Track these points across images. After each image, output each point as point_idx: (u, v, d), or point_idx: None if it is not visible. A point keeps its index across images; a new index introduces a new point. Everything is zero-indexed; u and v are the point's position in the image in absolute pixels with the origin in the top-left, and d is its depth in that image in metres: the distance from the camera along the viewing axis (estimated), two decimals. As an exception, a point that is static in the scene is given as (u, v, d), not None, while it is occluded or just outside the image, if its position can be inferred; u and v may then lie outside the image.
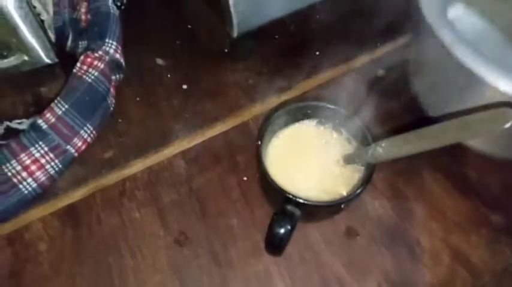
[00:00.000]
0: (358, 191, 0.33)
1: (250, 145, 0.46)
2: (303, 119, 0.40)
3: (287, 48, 0.53)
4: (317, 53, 0.53)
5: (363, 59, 0.54)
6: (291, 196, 0.33)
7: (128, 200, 0.43)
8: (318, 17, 0.56)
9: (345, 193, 0.36)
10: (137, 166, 0.44)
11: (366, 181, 0.34)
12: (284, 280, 0.38)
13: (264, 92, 0.49)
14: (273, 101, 0.49)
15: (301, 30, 0.55)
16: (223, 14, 0.44)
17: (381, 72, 0.53)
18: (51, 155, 0.39)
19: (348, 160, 0.37)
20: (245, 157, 0.46)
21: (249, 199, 0.43)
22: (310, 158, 0.38)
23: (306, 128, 0.40)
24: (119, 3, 0.54)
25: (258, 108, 0.49)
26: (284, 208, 0.34)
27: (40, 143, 0.38)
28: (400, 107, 0.48)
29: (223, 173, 0.45)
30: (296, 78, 0.51)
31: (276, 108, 0.38)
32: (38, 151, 0.38)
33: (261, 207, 0.43)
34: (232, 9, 0.42)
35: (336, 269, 0.40)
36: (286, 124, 0.39)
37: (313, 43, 0.54)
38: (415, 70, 0.48)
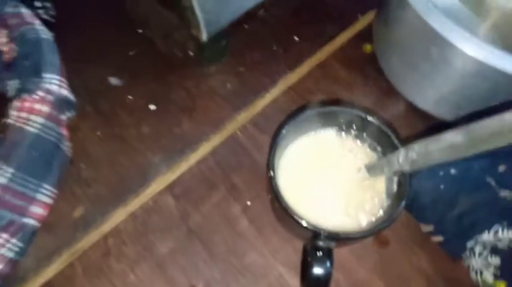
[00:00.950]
0: (398, 210, 0.28)
1: (244, 161, 0.40)
2: (315, 128, 0.33)
3: (261, 38, 0.46)
4: (295, 37, 0.46)
5: (346, 35, 0.47)
6: (322, 232, 0.27)
7: (115, 260, 0.35)
8: (286, -5, 0.49)
9: (368, 209, 0.31)
10: (117, 217, 0.36)
11: (401, 195, 0.29)
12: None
13: (246, 95, 0.42)
14: (259, 103, 0.42)
15: (272, 15, 0.47)
16: (183, 15, 0.36)
17: (368, 47, 0.47)
18: (5, 235, 0.30)
19: (373, 170, 0.31)
20: (242, 176, 0.39)
21: (259, 226, 0.37)
22: (329, 174, 0.32)
23: (321, 139, 0.33)
24: (46, 16, 0.44)
25: (244, 116, 0.41)
26: (316, 244, 0.28)
27: (-13, 225, 0.29)
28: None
29: (222, 202, 0.38)
30: (279, 72, 0.44)
31: (282, 124, 0.31)
32: (-13, 235, 0.29)
33: (275, 233, 0.37)
34: (197, 10, 0.33)
35: (373, 284, 0.35)
36: (296, 138, 0.33)
37: (288, 26, 0.47)
38: (383, 43, 0.44)
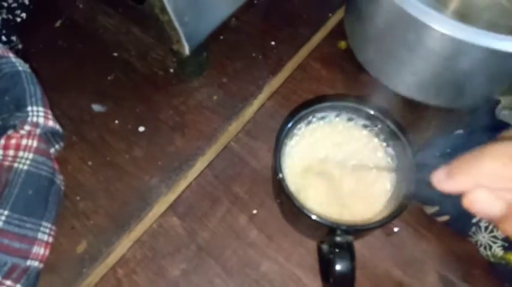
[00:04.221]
0: (408, 196, 0.29)
1: (242, 170, 0.39)
2: (316, 122, 0.33)
3: (238, 47, 0.46)
4: (272, 42, 0.47)
5: (320, 35, 0.48)
6: (340, 226, 0.27)
7: (128, 291, 0.33)
8: (256, 1, 0.49)
9: (377, 198, 0.31)
10: (123, 246, 0.35)
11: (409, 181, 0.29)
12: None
13: (234, 104, 0.42)
14: (248, 111, 0.42)
15: (245, 22, 0.48)
16: (162, 32, 0.35)
17: (343, 43, 0.48)
18: (9, 282, 0.28)
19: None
20: (243, 185, 0.39)
21: (269, 233, 0.36)
22: (334, 169, 0.32)
23: (324, 134, 0.34)
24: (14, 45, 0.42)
25: (235, 125, 0.41)
26: (334, 240, 0.28)
27: (-13, 275, 0.27)
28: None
29: (227, 215, 0.37)
30: (262, 78, 0.44)
31: (282, 129, 0.31)
32: (-11, 286, 0.27)
33: (285, 237, 0.36)
34: (176, 23, 0.33)
35: (391, 274, 0.35)
36: (298, 137, 0.33)
37: (263, 32, 0.47)
38: (358, 38, 0.45)
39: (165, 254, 0.35)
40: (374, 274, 0.35)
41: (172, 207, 0.37)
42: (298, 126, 0.32)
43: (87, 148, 0.38)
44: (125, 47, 0.45)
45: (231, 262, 0.35)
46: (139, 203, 0.36)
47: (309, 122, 0.33)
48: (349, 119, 0.34)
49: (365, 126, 0.33)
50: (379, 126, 0.32)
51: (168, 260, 0.35)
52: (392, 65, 0.42)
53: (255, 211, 0.37)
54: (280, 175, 0.29)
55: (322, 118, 0.33)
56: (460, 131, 0.40)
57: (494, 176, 0.19)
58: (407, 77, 0.42)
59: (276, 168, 0.29)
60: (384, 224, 0.28)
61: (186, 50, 0.36)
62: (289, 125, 0.30)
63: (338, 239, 0.28)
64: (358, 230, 0.29)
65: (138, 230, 0.35)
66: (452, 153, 0.37)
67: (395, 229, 0.37)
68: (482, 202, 0.19)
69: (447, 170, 0.20)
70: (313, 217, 0.27)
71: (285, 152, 0.32)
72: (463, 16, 0.46)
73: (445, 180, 0.20)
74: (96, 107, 0.40)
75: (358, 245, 0.36)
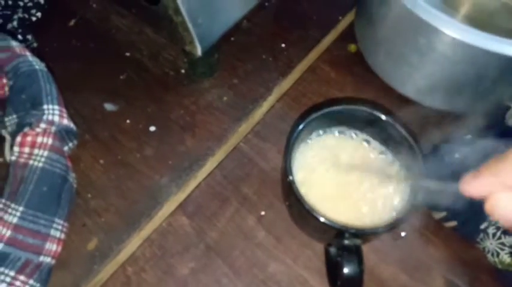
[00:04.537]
0: (416, 201, 0.29)
1: (251, 171, 0.40)
2: (326, 129, 0.34)
3: (249, 48, 0.46)
4: (282, 45, 0.47)
5: (330, 37, 0.48)
6: (349, 230, 0.28)
7: (136, 289, 0.34)
8: (267, 4, 0.50)
9: (386, 202, 0.31)
10: (133, 244, 0.35)
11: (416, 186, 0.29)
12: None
13: (244, 105, 0.42)
14: (257, 112, 0.42)
15: (256, 24, 0.48)
16: (175, 33, 0.36)
17: (352, 46, 0.48)
18: (22, 277, 0.29)
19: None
20: (252, 186, 0.39)
21: (277, 234, 0.37)
22: (343, 172, 0.33)
23: (333, 139, 0.34)
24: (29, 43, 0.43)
25: (245, 126, 0.42)
26: (342, 243, 0.28)
27: (2, 269, 0.28)
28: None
29: (236, 215, 0.37)
30: (272, 80, 0.44)
31: (293, 131, 0.31)
32: (3, 281, 0.28)
33: (293, 239, 0.37)
34: (189, 25, 0.33)
35: (398, 278, 0.35)
36: (308, 139, 0.33)
37: (273, 35, 0.48)
38: (368, 41, 0.45)
39: (174, 253, 0.35)
40: (380, 278, 0.35)
41: (181, 206, 0.37)
42: (309, 129, 0.32)
43: (99, 146, 0.39)
44: (137, 47, 0.46)
45: (239, 262, 0.35)
46: (149, 202, 0.36)
47: (320, 127, 0.33)
48: (359, 125, 0.34)
49: (375, 132, 0.34)
50: (390, 132, 0.33)
51: (177, 259, 0.35)
52: (402, 68, 0.42)
53: (263, 212, 0.38)
54: (290, 177, 0.29)
55: (335, 123, 0.33)
56: (469, 137, 0.40)
57: None
58: (417, 81, 0.42)
59: (286, 170, 0.30)
60: (391, 229, 0.28)
61: (199, 51, 0.36)
62: (300, 127, 0.31)
63: (346, 242, 0.29)
64: (366, 234, 0.29)
65: (148, 228, 0.36)
66: (460, 158, 0.37)
67: (403, 234, 0.37)
68: (505, 205, 0.18)
69: (475, 172, 0.20)
70: (322, 220, 0.28)
71: (295, 154, 0.33)
72: (474, 20, 0.46)
73: (471, 182, 0.20)
74: (108, 106, 0.41)
75: (365, 249, 0.36)
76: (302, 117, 0.31)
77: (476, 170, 0.20)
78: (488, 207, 0.19)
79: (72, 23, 0.47)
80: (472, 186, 0.20)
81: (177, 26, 0.36)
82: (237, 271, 0.35)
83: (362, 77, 0.46)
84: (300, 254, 0.36)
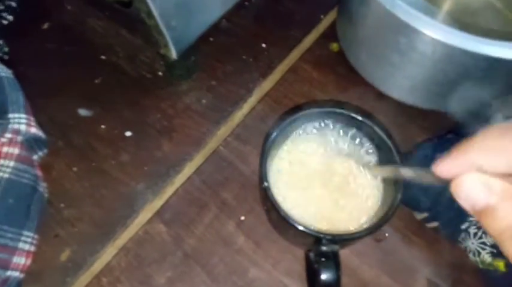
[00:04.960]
0: (396, 203, 0.28)
1: (231, 175, 0.39)
2: (304, 129, 0.33)
3: (228, 49, 0.45)
4: (263, 45, 0.46)
5: (312, 37, 0.48)
6: (325, 236, 0.27)
7: (112, 300, 0.33)
8: (246, 3, 0.49)
9: (364, 205, 0.31)
10: (108, 254, 0.34)
11: (397, 188, 0.29)
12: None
13: (223, 108, 0.41)
14: (237, 115, 0.42)
15: (235, 24, 0.47)
16: (150, 36, 0.35)
17: (335, 45, 0.47)
18: (-11, 293, 0.27)
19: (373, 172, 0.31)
20: (231, 191, 0.38)
21: (257, 240, 0.36)
22: (322, 175, 0.32)
23: (312, 141, 0.33)
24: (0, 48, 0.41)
25: (224, 129, 0.41)
26: (320, 250, 0.28)
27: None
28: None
29: (215, 221, 0.37)
30: (252, 81, 0.43)
31: (270, 131, 0.30)
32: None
33: (273, 244, 0.36)
34: (163, 28, 0.32)
35: (380, 281, 0.35)
36: (285, 142, 0.32)
37: (254, 35, 0.47)
38: (350, 40, 0.45)
39: (151, 262, 0.34)
40: (362, 281, 0.35)
41: (158, 213, 0.36)
42: (286, 132, 0.32)
43: (73, 153, 0.38)
44: (114, 49, 0.44)
45: (217, 269, 0.35)
46: (125, 210, 0.35)
47: (297, 129, 0.32)
48: (336, 126, 0.33)
49: (352, 133, 0.33)
50: (367, 132, 0.32)
51: (154, 268, 0.34)
52: (383, 68, 0.41)
53: (243, 217, 0.37)
54: (266, 184, 0.28)
55: (310, 126, 0.32)
56: (451, 135, 0.39)
57: (491, 150, 0.17)
58: (399, 80, 0.41)
59: (262, 176, 0.29)
60: (370, 233, 0.27)
61: (174, 54, 0.35)
62: (275, 133, 0.30)
63: (324, 248, 0.28)
64: (344, 240, 0.28)
65: (124, 237, 0.35)
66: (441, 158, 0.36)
67: (386, 234, 0.37)
68: (468, 187, 0.17)
69: (447, 153, 0.19)
70: (299, 227, 0.27)
71: (272, 158, 0.32)
72: (456, 18, 0.46)
73: (442, 163, 0.19)
74: (83, 112, 0.40)
75: (347, 251, 0.36)
76: (277, 122, 0.30)
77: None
78: (452, 187, 0.18)
79: (45, 26, 0.46)
80: (444, 167, 0.18)
81: (150, 29, 0.35)
82: (216, 278, 0.34)
83: (345, 77, 0.45)
84: (280, 260, 0.35)
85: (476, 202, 0.17)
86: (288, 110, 0.31)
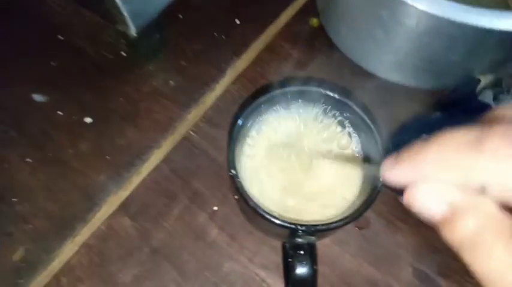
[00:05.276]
0: (377, 189, 0.25)
1: (203, 163, 0.36)
2: (276, 111, 0.30)
3: (199, 26, 0.42)
4: (236, 21, 0.42)
5: (290, 11, 0.44)
6: (300, 227, 0.24)
7: (73, 302, 0.30)
8: (218, -24, 0.45)
9: (344, 192, 0.28)
10: (67, 251, 0.31)
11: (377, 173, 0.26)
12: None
13: (193, 90, 0.38)
14: (209, 97, 0.38)
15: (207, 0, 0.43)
16: (106, 11, 0.31)
17: (315, 20, 0.44)
18: None
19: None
20: (203, 180, 0.35)
21: (230, 231, 0.33)
22: (297, 160, 0.29)
23: (284, 123, 0.30)
24: None
25: (195, 113, 0.38)
26: (295, 242, 0.25)
27: None
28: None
29: (185, 213, 0.34)
30: (225, 60, 0.40)
31: (237, 115, 0.27)
32: None
33: (249, 235, 0.33)
34: (118, 1, 0.29)
35: (362, 271, 0.33)
36: (256, 126, 0.29)
37: (226, 10, 0.43)
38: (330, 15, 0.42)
39: (115, 259, 0.32)
40: (344, 272, 0.32)
41: (123, 206, 0.34)
42: (256, 115, 0.29)
43: (27, 143, 0.34)
44: (72, 29, 0.41)
45: (188, 265, 0.32)
46: (85, 204, 0.32)
47: (268, 111, 0.29)
48: (311, 107, 0.30)
49: (331, 113, 0.30)
50: (347, 113, 0.29)
51: (119, 266, 0.32)
52: (365, 43, 0.39)
53: (215, 208, 0.34)
54: (233, 171, 0.26)
55: (283, 106, 0.29)
56: (438, 114, 0.37)
57: (442, 164, 0.15)
58: (382, 56, 0.38)
59: (229, 163, 0.26)
60: (348, 222, 0.25)
61: (132, 31, 0.32)
62: (243, 116, 0.27)
63: (299, 240, 0.25)
64: (320, 230, 0.26)
65: (84, 233, 0.32)
66: (427, 138, 0.34)
67: (369, 221, 0.35)
68: (423, 198, 0.16)
69: (395, 158, 0.17)
70: (269, 217, 0.24)
71: (242, 144, 0.29)
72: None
73: (390, 169, 0.17)
74: (38, 97, 0.36)
75: (328, 240, 0.34)
76: (246, 104, 0.27)
77: (398, 153, 0.17)
78: (405, 199, 0.17)
79: (-4, 3, 0.42)
80: (391, 174, 0.17)
81: (105, 4, 0.31)
82: (187, 275, 0.32)
83: (325, 53, 0.42)
84: (256, 252, 0.33)
85: (432, 214, 0.16)
86: (259, 89, 0.28)
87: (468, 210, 0.15)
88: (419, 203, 0.16)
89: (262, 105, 0.28)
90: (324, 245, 0.33)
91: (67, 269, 0.31)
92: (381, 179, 0.26)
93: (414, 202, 0.16)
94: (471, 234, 0.15)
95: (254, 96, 0.28)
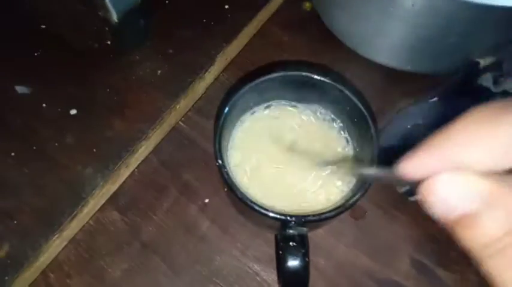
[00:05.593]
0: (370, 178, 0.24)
1: (193, 154, 0.35)
2: (267, 102, 0.29)
3: (187, 13, 0.40)
4: (226, 6, 0.41)
5: (281, -4, 0.43)
6: (294, 219, 0.23)
7: (61, 298, 0.30)
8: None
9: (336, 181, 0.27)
10: (55, 247, 0.30)
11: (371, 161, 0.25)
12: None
13: (182, 79, 0.37)
14: (199, 86, 0.37)
15: (195, -17, 0.42)
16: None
17: (307, 4, 0.43)
18: None
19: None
20: (193, 171, 0.34)
21: (223, 224, 0.32)
22: (287, 150, 0.28)
23: (274, 113, 0.29)
24: None
25: (184, 103, 0.36)
26: (286, 234, 0.24)
27: None
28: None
29: (175, 206, 0.33)
30: (214, 47, 0.38)
31: (224, 100, 0.26)
32: None
33: (242, 228, 0.32)
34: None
35: (358, 262, 0.32)
36: (244, 115, 0.28)
37: (215, -5, 0.41)
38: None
39: (104, 254, 0.31)
40: (339, 263, 0.32)
41: (111, 200, 0.33)
42: (246, 102, 0.28)
43: (10, 136, 0.33)
44: (55, 17, 0.39)
45: (179, 259, 0.31)
46: (71, 198, 0.31)
47: (255, 99, 0.28)
48: (301, 93, 0.29)
49: (323, 102, 0.29)
50: (337, 98, 0.28)
51: (108, 261, 0.31)
52: (360, 27, 0.37)
53: (207, 200, 0.33)
54: (220, 161, 0.24)
55: (273, 94, 0.28)
56: (435, 99, 0.36)
57: (474, 141, 0.13)
58: (378, 40, 0.37)
59: (215, 152, 0.25)
60: (340, 213, 0.24)
61: (114, 17, 0.31)
62: (229, 104, 0.26)
63: (290, 232, 0.25)
64: (312, 221, 0.25)
65: (72, 228, 0.31)
66: (425, 124, 0.33)
67: (365, 211, 0.34)
68: (444, 190, 0.13)
69: (414, 150, 0.14)
70: (257, 208, 0.23)
71: (230, 132, 0.28)
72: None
73: (409, 162, 0.14)
74: (21, 89, 0.35)
75: (323, 231, 0.33)
76: (233, 90, 0.26)
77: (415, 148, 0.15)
78: (421, 191, 0.14)
79: (-25, -8, 0.40)
80: (412, 167, 0.14)
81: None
82: (178, 269, 0.31)
83: (318, 38, 0.41)
84: (249, 245, 0.32)
85: (453, 210, 0.13)
86: (247, 75, 0.27)
87: (498, 206, 0.13)
88: (438, 197, 0.14)
89: (251, 93, 0.26)
90: (318, 237, 0.32)
91: (55, 265, 0.30)
92: (373, 169, 0.25)
93: (431, 195, 0.14)
94: (500, 236, 0.12)
95: (242, 81, 0.26)
